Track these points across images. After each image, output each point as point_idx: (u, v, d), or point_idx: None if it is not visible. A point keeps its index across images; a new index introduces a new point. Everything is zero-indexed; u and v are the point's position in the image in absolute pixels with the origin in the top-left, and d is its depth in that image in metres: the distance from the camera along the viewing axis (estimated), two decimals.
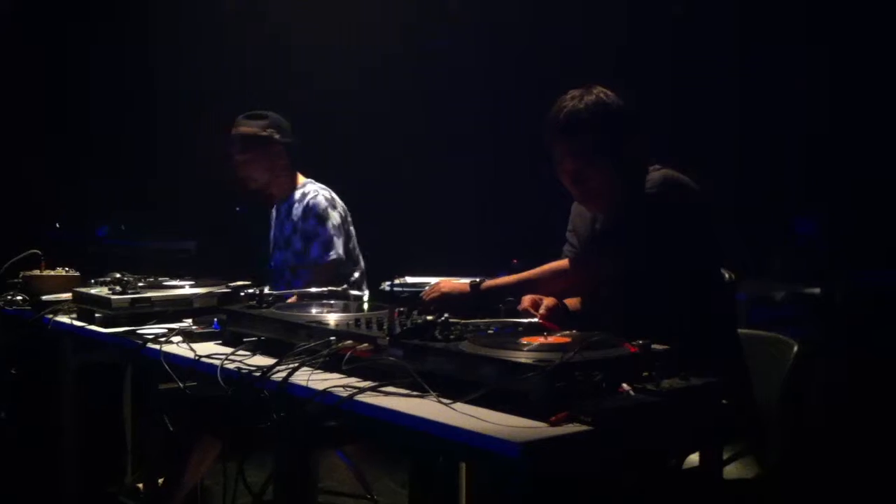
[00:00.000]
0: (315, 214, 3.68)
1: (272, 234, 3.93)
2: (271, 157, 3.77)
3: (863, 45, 4.89)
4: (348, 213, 3.82)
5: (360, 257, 3.85)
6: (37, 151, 5.61)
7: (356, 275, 3.78)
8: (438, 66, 5.89)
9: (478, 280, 2.47)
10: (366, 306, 2.52)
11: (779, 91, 5.22)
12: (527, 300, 2.48)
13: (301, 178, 3.88)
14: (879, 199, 4.91)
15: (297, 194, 3.80)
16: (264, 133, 3.75)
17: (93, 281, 3.26)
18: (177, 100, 5.71)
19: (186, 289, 3.08)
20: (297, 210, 3.74)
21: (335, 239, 3.66)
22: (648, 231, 2.39)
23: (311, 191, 3.76)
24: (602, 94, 2.47)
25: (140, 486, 3.73)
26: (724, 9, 5.31)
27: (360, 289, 3.77)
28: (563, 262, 2.57)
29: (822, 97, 5.06)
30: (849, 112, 4.97)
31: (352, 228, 3.83)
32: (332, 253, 3.64)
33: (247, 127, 3.76)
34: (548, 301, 2.50)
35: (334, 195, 3.80)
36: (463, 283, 2.49)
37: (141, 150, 5.81)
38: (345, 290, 2.97)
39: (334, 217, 3.70)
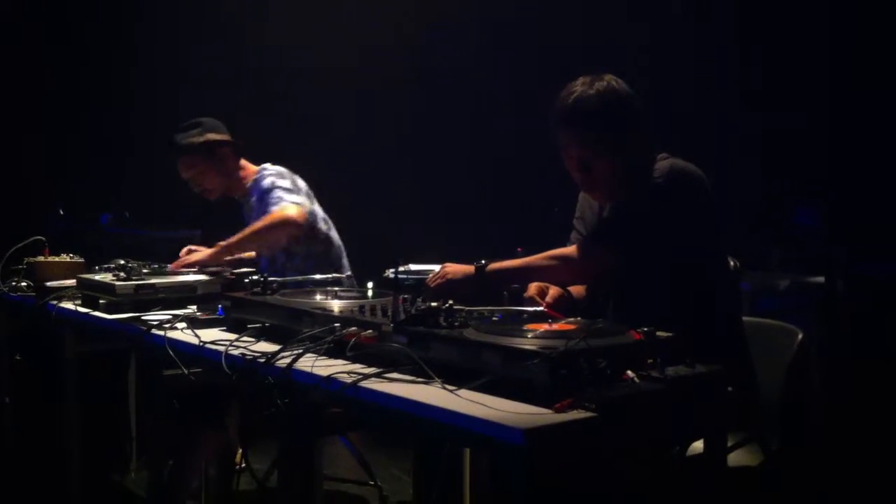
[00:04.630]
0: (263, 191, 3.59)
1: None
2: (218, 162, 3.69)
3: (862, 36, 4.88)
4: (309, 193, 3.70)
5: (333, 237, 3.75)
6: (40, 138, 5.60)
7: (334, 257, 3.71)
8: (444, 55, 5.87)
9: (483, 262, 2.45)
10: (370, 293, 2.52)
11: (781, 82, 5.21)
12: (532, 288, 2.47)
13: (251, 168, 3.78)
14: (880, 189, 4.91)
15: (252, 187, 3.72)
16: (202, 139, 3.65)
17: (97, 267, 3.26)
18: (180, 88, 5.70)
19: (190, 275, 3.08)
20: (255, 202, 3.67)
21: (284, 195, 3.51)
22: (654, 220, 2.39)
23: (261, 177, 3.68)
24: (613, 82, 2.46)
25: (144, 473, 3.75)
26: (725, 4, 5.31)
27: (340, 269, 3.71)
28: (568, 249, 2.56)
29: (824, 88, 5.04)
30: (850, 101, 4.96)
31: (317, 208, 3.71)
32: (282, 203, 3.48)
33: (184, 140, 3.65)
34: (553, 290, 2.50)
35: (283, 171, 3.70)
36: (467, 266, 2.49)
37: (145, 138, 5.80)
38: (349, 277, 2.98)
39: (283, 183, 3.59)
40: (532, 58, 5.50)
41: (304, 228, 3.52)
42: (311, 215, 3.61)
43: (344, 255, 3.79)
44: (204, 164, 3.68)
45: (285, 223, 3.44)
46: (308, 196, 3.69)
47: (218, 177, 3.72)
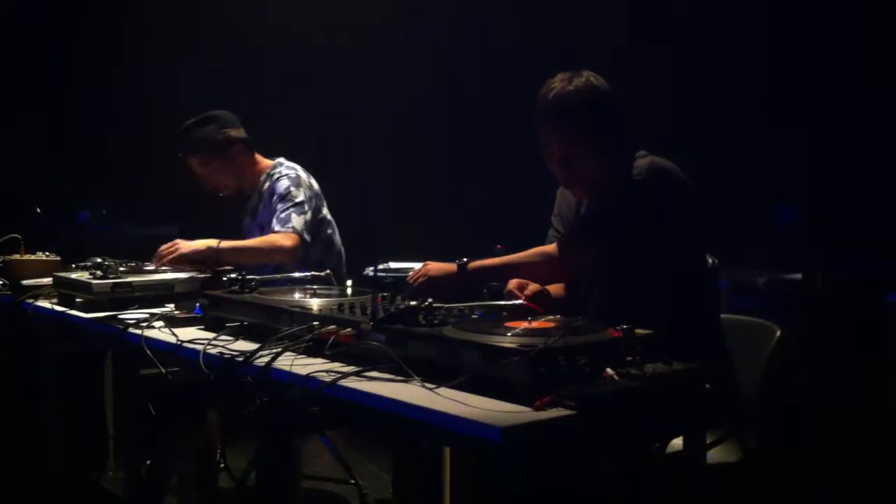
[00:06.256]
0: (278, 195, 3.58)
1: (244, 223, 3.84)
2: (234, 158, 3.65)
3: (849, 39, 4.90)
4: (320, 195, 3.70)
5: (335, 241, 3.75)
6: (17, 135, 5.55)
7: (332, 261, 3.69)
8: (424, 55, 5.86)
9: (464, 260, 2.47)
10: (349, 291, 2.51)
11: (767, 82, 5.23)
12: (512, 283, 2.48)
13: (265, 163, 3.76)
14: (862, 187, 4.93)
15: (265, 182, 3.70)
16: (220, 136, 3.61)
17: (73, 266, 3.23)
18: (161, 86, 5.66)
19: (168, 273, 3.06)
20: (266, 197, 3.67)
21: (293, 215, 3.52)
22: (634, 218, 2.39)
23: (276, 174, 3.66)
24: (592, 79, 2.47)
25: (121, 472, 3.72)
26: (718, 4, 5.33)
27: (339, 277, 3.69)
28: (549, 247, 2.57)
29: (812, 89, 5.07)
30: (837, 102, 4.98)
31: (325, 210, 3.72)
32: (287, 227, 3.50)
33: (201, 136, 3.60)
34: (532, 285, 2.50)
35: (301, 173, 3.69)
36: (449, 264, 2.49)
37: (123, 135, 5.76)
38: (328, 274, 2.96)
39: (297, 195, 3.57)
40: (530, 57, 5.48)
41: (295, 255, 3.49)
42: (313, 225, 3.59)
43: (343, 260, 3.77)
44: (219, 161, 3.64)
45: (277, 251, 3.45)
46: (318, 197, 3.69)
47: (232, 174, 3.69)
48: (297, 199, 3.56)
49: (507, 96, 3.75)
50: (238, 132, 3.68)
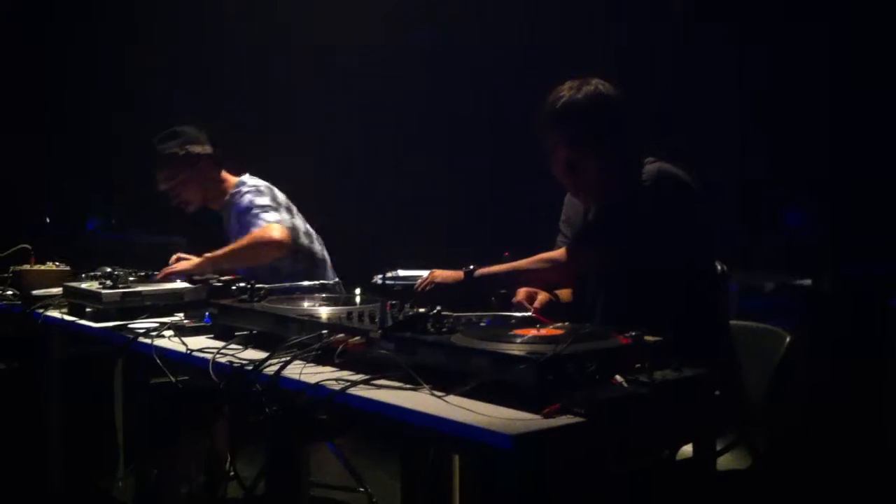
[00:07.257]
0: (242, 211, 3.57)
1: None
2: (198, 173, 3.65)
3: (856, 40, 4.90)
4: (289, 203, 3.67)
5: (315, 250, 3.70)
6: (27, 145, 5.58)
7: (320, 272, 3.65)
8: (431, 59, 5.87)
9: (471, 267, 2.47)
10: (358, 299, 2.51)
11: (771, 85, 5.23)
12: (521, 293, 2.48)
13: (231, 181, 3.73)
14: (869, 191, 4.93)
15: (229, 201, 3.68)
16: (182, 152, 3.62)
17: (83, 275, 3.25)
18: (168, 94, 5.68)
19: (177, 283, 3.07)
20: (233, 216, 3.65)
21: (262, 214, 3.50)
22: (642, 224, 2.39)
23: (238, 193, 3.64)
24: (600, 86, 2.47)
25: (131, 481, 3.72)
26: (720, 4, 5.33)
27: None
28: (556, 253, 2.57)
29: (817, 91, 5.06)
30: (842, 105, 4.98)
31: (298, 221, 3.66)
32: (262, 223, 3.46)
33: (164, 151, 3.61)
34: (542, 295, 2.50)
35: (261, 187, 3.65)
36: (456, 271, 2.50)
37: (131, 145, 5.78)
38: (337, 283, 2.97)
39: (261, 201, 3.56)
40: (534, 60, 5.48)
41: (288, 247, 3.48)
42: (293, 232, 3.55)
43: (329, 267, 3.75)
44: (183, 176, 3.65)
45: (269, 243, 3.42)
46: (288, 210, 3.65)
47: (197, 189, 3.69)
48: (262, 203, 3.55)
49: (513, 101, 3.75)
50: (203, 148, 3.67)
